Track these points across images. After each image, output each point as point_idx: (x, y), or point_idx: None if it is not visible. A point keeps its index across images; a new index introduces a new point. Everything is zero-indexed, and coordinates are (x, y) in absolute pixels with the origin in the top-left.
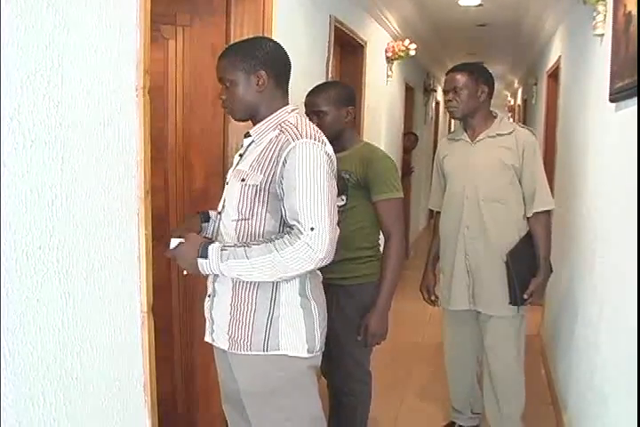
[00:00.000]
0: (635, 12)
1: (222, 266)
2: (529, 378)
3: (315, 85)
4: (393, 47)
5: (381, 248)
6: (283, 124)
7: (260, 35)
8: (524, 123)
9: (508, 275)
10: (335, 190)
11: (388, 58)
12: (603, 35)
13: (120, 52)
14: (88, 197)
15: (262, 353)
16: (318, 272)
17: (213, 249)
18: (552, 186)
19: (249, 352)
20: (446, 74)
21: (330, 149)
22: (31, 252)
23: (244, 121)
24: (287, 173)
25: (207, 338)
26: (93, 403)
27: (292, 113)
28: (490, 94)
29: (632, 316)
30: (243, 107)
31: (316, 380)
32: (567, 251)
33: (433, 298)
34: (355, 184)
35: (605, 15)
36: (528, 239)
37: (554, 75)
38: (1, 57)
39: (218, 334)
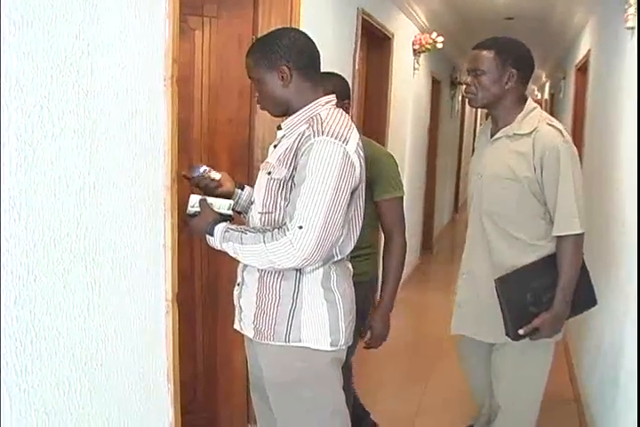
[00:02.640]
0: None
1: (223, 245)
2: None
3: None
4: (420, 40)
5: (379, 247)
6: (314, 119)
7: (288, 25)
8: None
9: (499, 303)
10: (347, 192)
11: (414, 50)
12: (634, 27)
13: (149, 41)
14: (115, 185)
15: (285, 344)
16: (349, 266)
17: (218, 229)
18: None
19: (272, 342)
20: (472, 50)
21: (352, 147)
22: (59, 239)
23: (281, 116)
24: (300, 168)
25: (236, 325)
26: (117, 390)
27: (327, 105)
28: (522, 79)
29: None
30: (273, 103)
31: (341, 374)
32: (594, 246)
33: None
34: None
35: (638, 7)
36: (547, 264)
37: (583, 68)
38: (31, 46)
39: (245, 322)
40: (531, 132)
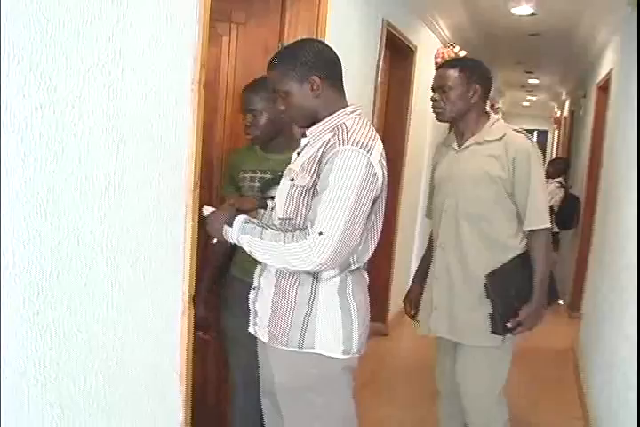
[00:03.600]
0: None
1: (241, 237)
2: (560, 391)
3: (254, 79)
4: (443, 53)
5: None
6: (339, 128)
7: (314, 35)
8: (571, 135)
9: (489, 300)
10: (368, 202)
11: (437, 64)
12: None
13: (179, 45)
14: (139, 186)
15: (298, 350)
16: (365, 275)
17: (239, 220)
18: (595, 200)
19: (286, 348)
20: (436, 69)
21: (376, 158)
22: (82, 236)
23: (309, 126)
24: (323, 176)
25: (250, 329)
26: (131, 388)
27: (352, 115)
28: (484, 95)
29: None
30: (303, 114)
31: (352, 381)
32: (608, 265)
33: (413, 312)
34: None
35: None
36: (522, 261)
37: (604, 87)
38: (65, 47)
39: (259, 326)
40: (501, 138)
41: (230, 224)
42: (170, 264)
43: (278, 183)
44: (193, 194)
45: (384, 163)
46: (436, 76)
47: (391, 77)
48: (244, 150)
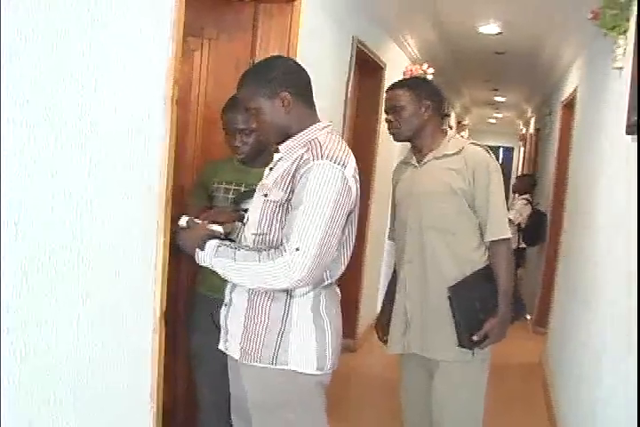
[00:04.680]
0: None
1: (214, 260)
2: (529, 406)
3: (232, 98)
4: (411, 70)
5: None
6: (312, 143)
7: (285, 51)
8: (536, 152)
9: (452, 313)
10: (343, 216)
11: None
12: (622, 68)
13: (152, 60)
14: (111, 202)
15: (271, 366)
16: (337, 290)
17: (211, 245)
18: (562, 216)
19: (259, 364)
20: (385, 92)
21: (350, 172)
22: (54, 252)
23: (281, 143)
24: (298, 190)
25: (221, 346)
26: (101, 405)
27: (324, 130)
28: (437, 110)
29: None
30: (275, 131)
31: (324, 398)
32: (575, 281)
33: (386, 338)
34: None
35: (625, 49)
36: (485, 274)
37: (569, 105)
38: (37, 59)
39: (231, 343)
40: (459, 151)
41: (202, 248)
42: (141, 281)
43: (251, 197)
44: (165, 210)
45: (357, 177)
46: (386, 99)
47: (360, 94)
48: (221, 162)
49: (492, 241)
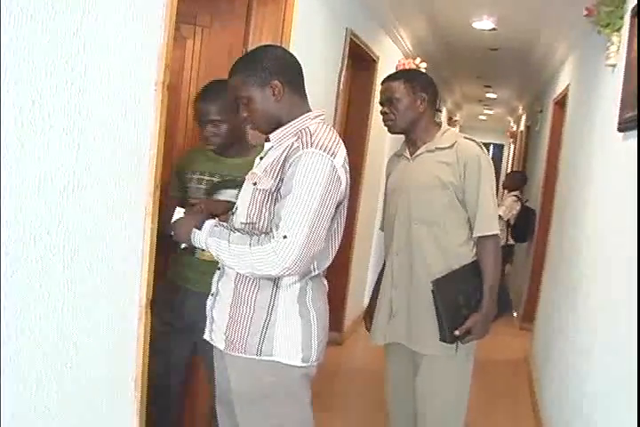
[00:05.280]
0: None
1: (209, 240)
2: (514, 401)
3: (205, 88)
4: (404, 64)
5: None
6: (302, 132)
7: (278, 41)
8: (526, 149)
9: (435, 306)
10: (332, 205)
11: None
12: (615, 65)
13: (144, 45)
14: (99, 187)
15: (256, 357)
16: (325, 282)
17: (208, 223)
18: (551, 213)
19: (243, 355)
20: (381, 84)
21: (340, 161)
22: (39, 236)
23: (272, 132)
24: (287, 179)
25: (206, 336)
26: (85, 393)
27: (316, 119)
28: (432, 103)
29: (627, 345)
30: (266, 120)
31: (309, 390)
32: (562, 277)
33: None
34: None
35: (619, 46)
36: (472, 269)
37: (561, 102)
38: (28, 41)
39: (216, 333)
40: (452, 145)
41: (199, 228)
42: (128, 268)
43: (226, 187)
44: (153, 197)
45: (347, 168)
46: (382, 90)
47: (353, 86)
48: (194, 151)
49: (480, 236)
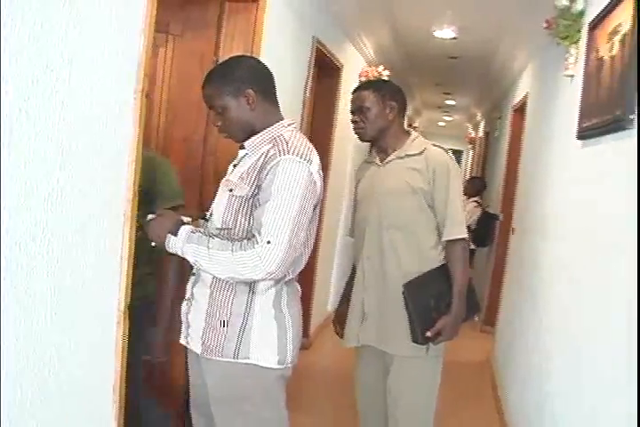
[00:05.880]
0: (607, 57)
1: (186, 247)
2: (478, 403)
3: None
4: (367, 72)
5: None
6: (277, 139)
7: (249, 50)
8: (485, 156)
9: (406, 309)
10: (310, 210)
11: (360, 82)
12: (573, 76)
13: (124, 54)
14: (81, 194)
15: (233, 360)
16: (298, 286)
17: (185, 229)
18: (511, 218)
19: (220, 358)
20: (352, 93)
21: (315, 168)
22: (24, 243)
23: (245, 141)
24: (266, 186)
25: (182, 340)
26: (66, 398)
27: (289, 127)
28: (401, 111)
29: (586, 345)
30: (240, 128)
31: (285, 391)
32: (523, 281)
33: (342, 332)
34: None
35: (577, 58)
36: (441, 272)
37: (520, 110)
38: (15, 49)
39: (192, 337)
40: (421, 152)
41: (175, 234)
42: (108, 273)
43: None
44: (131, 203)
45: (321, 173)
46: (352, 100)
47: (317, 93)
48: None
49: (449, 240)
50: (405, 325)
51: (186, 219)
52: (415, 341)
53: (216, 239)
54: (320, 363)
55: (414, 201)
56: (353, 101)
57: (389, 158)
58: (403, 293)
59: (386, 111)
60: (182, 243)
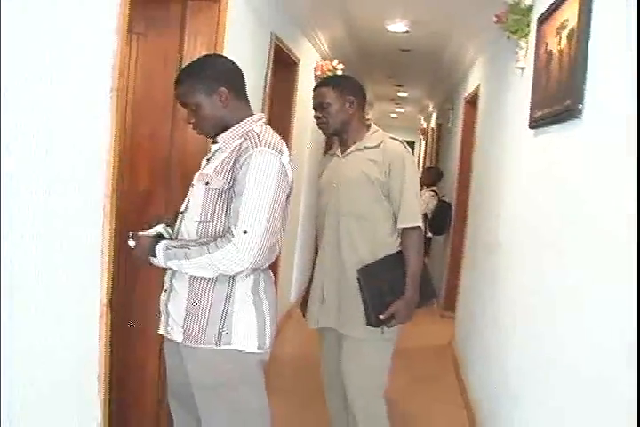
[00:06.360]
0: (555, 50)
1: (168, 264)
2: (441, 384)
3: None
4: (322, 66)
5: None
6: (248, 133)
7: (212, 47)
8: (438, 146)
9: (361, 293)
10: (283, 199)
11: (316, 76)
12: (524, 68)
13: (100, 53)
14: (64, 192)
15: (215, 347)
16: (270, 273)
17: (159, 249)
18: (466, 206)
19: (202, 346)
20: (313, 90)
21: (287, 159)
22: (14, 239)
23: (216, 136)
24: (240, 178)
25: (161, 331)
26: (52, 389)
27: (259, 122)
28: (360, 105)
29: (543, 323)
30: (213, 124)
31: (264, 374)
32: (481, 266)
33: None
34: None
35: (527, 51)
36: (395, 259)
37: (472, 101)
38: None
39: (172, 327)
40: (379, 144)
41: (154, 254)
42: (90, 267)
43: None
44: (111, 199)
45: (292, 165)
46: (314, 96)
47: (275, 89)
48: None
49: (405, 228)
50: (361, 308)
51: (160, 230)
52: (369, 324)
53: (191, 249)
54: (287, 348)
55: (371, 191)
56: (314, 98)
57: (349, 150)
58: (357, 278)
59: (346, 106)
60: (164, 262)
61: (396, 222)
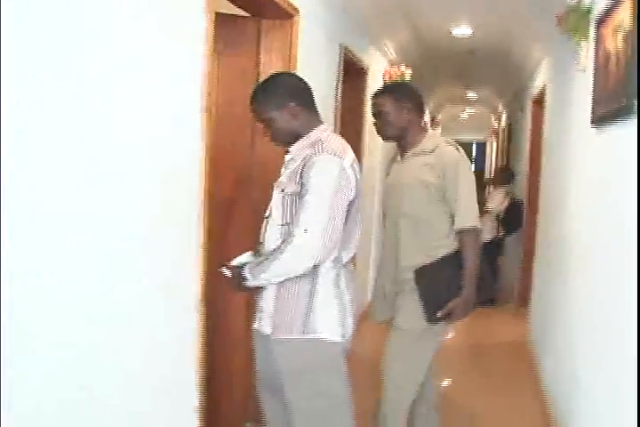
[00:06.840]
0: (613, 51)
1: (255, 282)
2: (517, 382)
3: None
4: (390, 72)
5: None
6: (315, 142)
7: (287, 61)
8: (509, 146)
9: (418, 292)
10: (344, 200)
11: (385, 82)
12: (585, 68)
13: (191, 75)
14: (168, 200)
15: (302, 336)
16: (351, 267)
17: (246, 273)
18: (537, 205)
19: (290, 336)
20: (371, 99)
21: (348, 163)
22: (115, 242)
23: (290, 145)
24: (305, 182)
25: (255, 326)
26: (151, 395)
27: (326, 131)
28: (417, 110)
29: (606, 320)
30: (287, 135)
31: (345, 363)
32: (552, 262)
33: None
34: None
35: (587, 51)
36: (452, 259)
37: (538, 101)
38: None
39: (264, 321)
40: (434, 150)
41: (245, 279)
42: (186, 262)
43: None
44: (204, 204)
45: (356, 167)
46: (372, 105)
47: (346, 97)
48: None
49: (462, 229)
50: (414, 303)
51: (245, 258)
52: (428, 320)
53: (264, 261)
54: (360, 349)
55: (426, 194)
56: (372, 107)
57: (407, 155)
58: (414, 278)
59: (402, 113)
60: (253, 282)
61: (452, 224)
